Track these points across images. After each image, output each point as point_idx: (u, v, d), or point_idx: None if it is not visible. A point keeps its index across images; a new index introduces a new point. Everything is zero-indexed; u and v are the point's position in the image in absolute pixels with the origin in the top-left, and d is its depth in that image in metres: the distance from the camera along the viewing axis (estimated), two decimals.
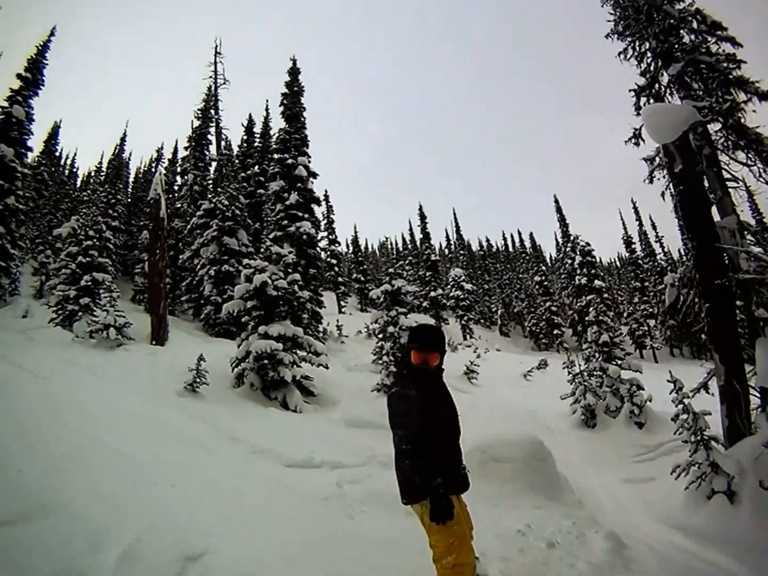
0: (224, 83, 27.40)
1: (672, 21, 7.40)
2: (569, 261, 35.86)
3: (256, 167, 28.38)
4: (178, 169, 29.49)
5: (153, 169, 33.32)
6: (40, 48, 19.99)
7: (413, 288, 25.21)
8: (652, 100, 7.83)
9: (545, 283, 40.49)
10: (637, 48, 7.99)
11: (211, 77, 27.51)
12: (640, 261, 40.59)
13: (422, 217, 43.50)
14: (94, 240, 16.68)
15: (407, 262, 43.24)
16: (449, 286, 37.54)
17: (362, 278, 38.42)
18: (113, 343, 11.10)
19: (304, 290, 12.14)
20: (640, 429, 10.02)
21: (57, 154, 40.40)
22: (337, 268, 33.47)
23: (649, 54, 7.85)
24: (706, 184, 6.87)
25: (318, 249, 20.65)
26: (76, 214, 20.53)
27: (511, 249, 58.95)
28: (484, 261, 54.52)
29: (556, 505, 5.40)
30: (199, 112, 27.93)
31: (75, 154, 60.74)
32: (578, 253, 33.43)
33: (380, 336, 13.57)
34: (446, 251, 59.65)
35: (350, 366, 15.84)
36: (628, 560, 4.23)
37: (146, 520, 4.19)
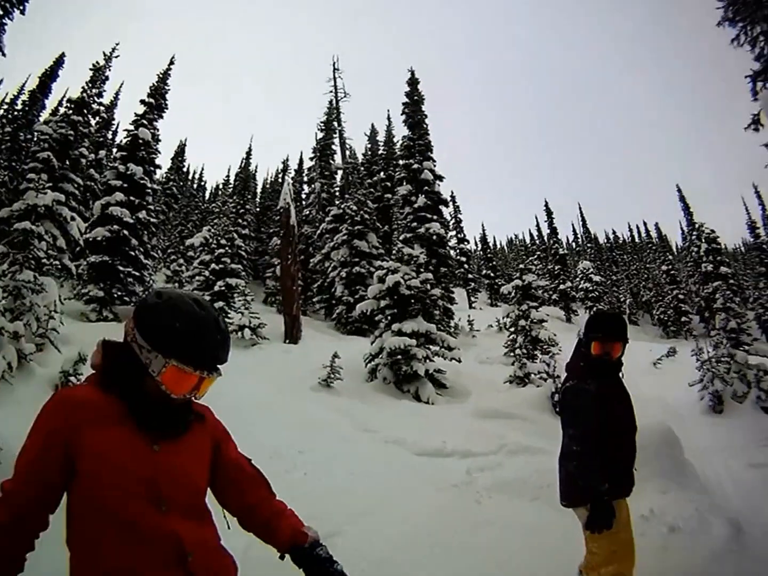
0: (344, 96, 28.68)
1: None
2: (695, 249, 34.49)
3: (382, 173, 29.35)
4: (305, 179, 31.01)
5: (280, 180, 34.94)
6: (161, 75, 21.18)
7: (543, 282, 25.18)
8: None
9: (672, 271, 38.58)
10: (749, 33, 7.72)
11: (331, 92, 28.81)
12: (764, 246, 37.56)
13: (548, 212, 42.78)
14: (226, 248, 17.34)
15: (536, 257, 42.75)
16: (578, 279, 36.76)
17: (491, 274, 38.52)
18: (248, 342, 11.67)
19: (436, 288, 12.32)
20: (767, 414, 9.76)
21: (185, 169, 42.95)
22: (466, 266, 33.49)
23: (761, 38, 7.60)
24: None
25: (448, 248, 21.04)
26: (207, 224, 21.78)
27: (637, 240, 56.55)
28: (611, 253, 53.00)
29: (680, 491, 5.27)
30: (322, 124, 29.35)
31: (202, 169, 65.28)
32: (703, 240, 32.38)
33: (512, 329, 13.74)
34: (573, 245, 58.60)
35: (482, 359, 15.93)
36: (746, 546, 4.15)
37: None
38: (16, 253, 7.04)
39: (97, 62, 20.36)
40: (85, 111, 17.88)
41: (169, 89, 21.38)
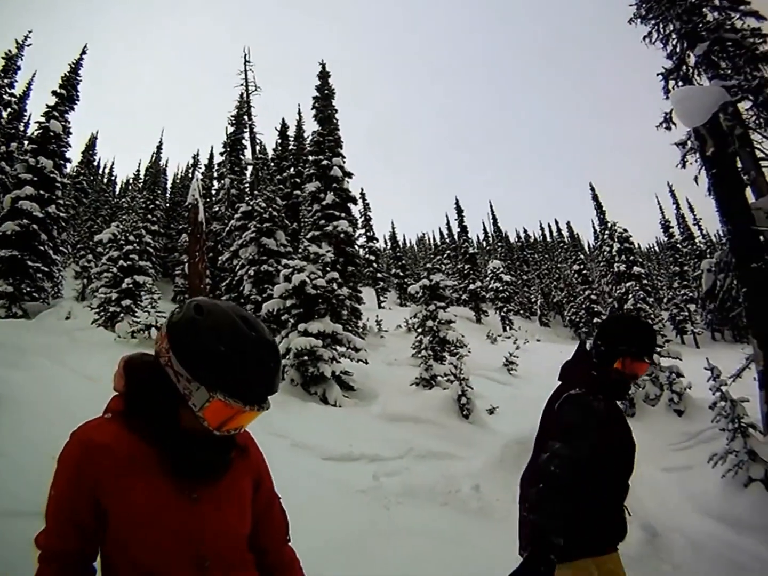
0: (255, 90, 28.00)
1: (693, 0, 7.25)
2: (607, 248, 35.54)
3: (292, 169, 28.93)
4: (215, 174, 30.32)
5: (190, 175, 34.14)
6: (73, 66, 20.90)
7: (451, 282, 25.41)
8: (680, 83, 7.70)
9: (584, 271, 39.85)
10: (662, 30, 7.87)
11: (242, 85, 28.12)
12: (678, 245, 39.70)
13: (459, 210, 43.42)
14: (134, 244, 17.12)
15: (445, 255, 43.55)
16: (488, 278, 37.45)
17: (401, 273, 38.71)
18: (154, 343, 11.24)
19: (343, 287, 12.33)
20: (680, 416, 9.87)
21: (95, 163, 41.94)
22: (375, 265, 33.69)
23: (674, 36, 7.72)
24: (740, 165, 6.69)
25: (356, 246, 20.99)
26: (116, 219, 21.42)
27: (548, 239, 58.60)
28: (522, 252, 54.36)
29: None
30: (232, 118, 28.71)
31: (113, 163, 62.96)
32: (616, 240, 33.19)
33: (419, 330, 13.75)
34: (484, 243, 59.77)
35: (390, 360, 15.96)
36: (660, 549, 4.17)
37: None
38: None
39: (9, 51, 19.79)
40: None
41: (80, 80, 21.18)
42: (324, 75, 23.16)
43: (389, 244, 51.37)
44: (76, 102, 20.65)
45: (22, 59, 22.45)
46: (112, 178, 48.40)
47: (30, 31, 23.36)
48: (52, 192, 17.25)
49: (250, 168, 27.47)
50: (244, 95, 28.29)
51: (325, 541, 3.98)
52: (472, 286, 36.05)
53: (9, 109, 21.61)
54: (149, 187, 33.30)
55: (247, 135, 28.25)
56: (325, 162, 20.76)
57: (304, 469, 5.79)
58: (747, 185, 6.61)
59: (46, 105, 19.50)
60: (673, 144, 7.66)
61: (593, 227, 49.33)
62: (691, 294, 34.11)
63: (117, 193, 44.12)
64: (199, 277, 15.15)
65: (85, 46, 22.47)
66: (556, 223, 56.61)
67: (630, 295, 22.23)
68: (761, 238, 6.30)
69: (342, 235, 19.48)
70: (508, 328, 34.27)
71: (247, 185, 26.81)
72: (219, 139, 53.68)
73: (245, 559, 1.31)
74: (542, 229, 60.72)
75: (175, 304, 23.31)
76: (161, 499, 1.14)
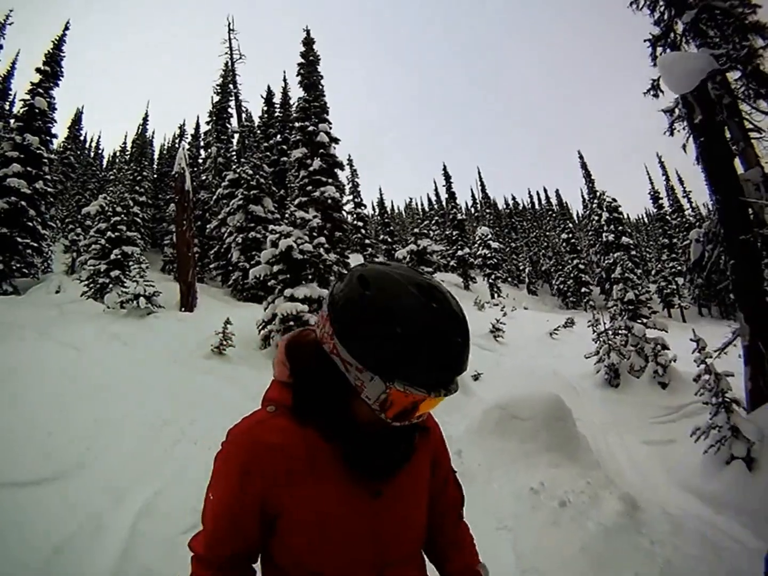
0: (240, 58, 28.12)
1: None
2: (596, 218, 35.26)
3: (278, 136, 28.73)
4: (202, 143, 30.07)
5: (176, 145, 33.81)
6: (56, 42, 20.83)
7: (439, 247, 25.56)
8: (668, 50, 7.47)
9: (572, 240, 39.68)
10: None
11: (227, 53, 28.15)
12: (667, 217, 39.19)
13: (447, 176, 43.23)
14: (122, 215, 17.07)
15: (433, 222, 43.44)
16: (476, 245, 37.28)
17: (389, 239, 38.46)
18: (143, 311, 11.25)
19: (330, 253, 12.39)
20: (664, 389, 9.81)
21: (82, 138, 41.46)
22: (363, 231, 33.62)
23: (661, 2, 7.46)
24: (728, 135, 6.60)
25: (343, 212, 20.89)
26: (104, 192, 21.29)
27: (537, 207, 58.39)
28: (511, 219, 54.26)
29: (572, 465, 5.23)
30: (218, 87, 28.46)
31: (99, 137, 62.41)
32: (605, 209, 33.13)
33: None
34: (472, 210, 59.31)
35: None
36: (640, 523, 4.11)
37: (166, 476, 4.70)
38: None
39: None
40: None
41: (64, 56, 21.29)
42: (308, 41, 22.90)
43: (377, 210, 51.34)
44: (61, 78, 20.63)
45: (4, 38, 22.44)
46: (99, 151, 48.01)
47: (11, 10, 23.22)
48: (39, 168, 17.43)
49: (236, 136, 27.37)
50: (229, 64, 28.26)
51: None
52: (460, 253, 36.03)
53: None
54: (136, 159, 33.13)
55: (233, 103, 28.15)
56: (311, 128, 20.64)
57: None
58: (735, 155, 6.55)
59: (30, 82, 19.58)
60: (661, 110, 7.54)
61: (582, 196, 48.94)
62: (679, 267, 33.68)
63: (104, 166, 43.80)
64: (187, 245, 15.23)
65: (68, 22, 22.39)
66: (545, 191, 56.43)
67: (618, 266, 22.33)
68: (750, 210, 6.23)
69: (329, 201, 19.46)
70: (496, 295, 34.26)
71: (233, 153, 26.64)
72: (205, 109, 53.12)
73: (420, 560, 1.24)
74: (531, 196, 60.82)
75: (164, 274, 23.50)
76: (343, 500, 1.05)
